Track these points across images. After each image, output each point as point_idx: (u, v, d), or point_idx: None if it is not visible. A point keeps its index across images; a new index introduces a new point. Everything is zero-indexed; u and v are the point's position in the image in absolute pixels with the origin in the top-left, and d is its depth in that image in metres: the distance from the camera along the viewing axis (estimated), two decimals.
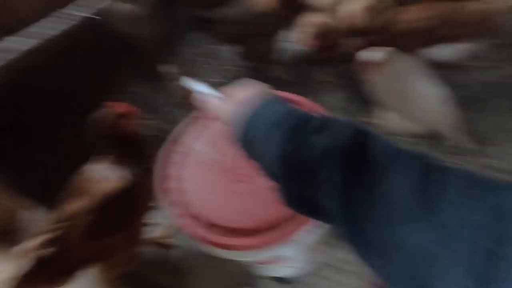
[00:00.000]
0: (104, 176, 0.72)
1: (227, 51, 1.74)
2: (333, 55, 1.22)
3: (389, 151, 0.30)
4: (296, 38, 1.29)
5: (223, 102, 0.44)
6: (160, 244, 0.95)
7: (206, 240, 0.61)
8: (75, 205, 0.69)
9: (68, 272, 0.63)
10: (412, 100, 1.00)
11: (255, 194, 0.65)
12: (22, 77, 1.22)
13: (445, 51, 1.07)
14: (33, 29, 1.32)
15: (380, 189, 0.27)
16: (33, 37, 1.28)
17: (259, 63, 1.48)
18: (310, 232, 0.64)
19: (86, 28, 1.42)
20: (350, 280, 1.01)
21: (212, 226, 0.62)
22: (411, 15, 1.02)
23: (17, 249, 0.60)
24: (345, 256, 1.06)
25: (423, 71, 1.01)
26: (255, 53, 1.44)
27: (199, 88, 0.49)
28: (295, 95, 0.78)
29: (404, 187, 0.26)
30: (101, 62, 1.66)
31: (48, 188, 1.20)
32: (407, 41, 1.03)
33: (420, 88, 0.98)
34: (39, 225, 0.85)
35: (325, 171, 0.31)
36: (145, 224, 0.78)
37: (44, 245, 0.61)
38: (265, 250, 0.61)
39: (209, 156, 0.72)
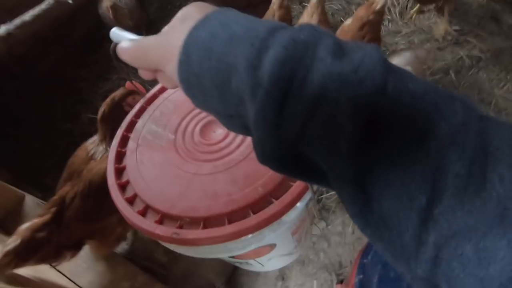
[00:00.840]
0: (96, 156, 0.75)
1: None
2: None
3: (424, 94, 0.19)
4: None
5: (148, 38, 0.28)
6: None
7: (166, 238, 0.48)
8: (66, 189, 0.72)
9: (59, 252, 0.67)
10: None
11: (223, 172, 0.53)
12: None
13: None
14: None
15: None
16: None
17: None
18: (298, 208, 0.51)
19: (60, 11, 1.42)
20: (347, 251, 1.04)
21: (174, 219, 0.50)
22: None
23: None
24: (339, 227, 1.09)
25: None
26: None
27: (124, 36, 0.32)
28: None
29: (453, 152, 0.17)
30: (78, 44, 1.67)
31: (43, 173, 1.26)
32: None
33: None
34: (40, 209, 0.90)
35: (344, 117, 0.19)
36: None
37: (38, 227, 0.65)
38: (243, 240, 0.48)
39: (163, 137, 0.60)
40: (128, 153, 0.60)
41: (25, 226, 0.63)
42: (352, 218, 0.21)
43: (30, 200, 1.03)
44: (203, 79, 0.23)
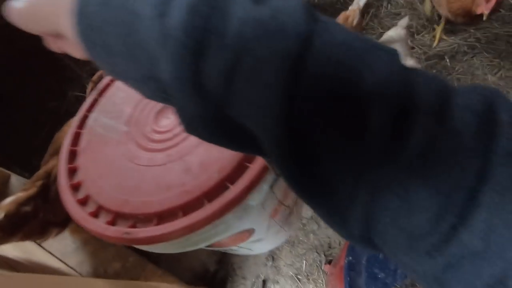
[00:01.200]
0: None
1: None
2: None
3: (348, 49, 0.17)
4: None
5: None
6: None
7: (118, 238, 0.44)
8: (53, 163, 0.70)
9: (45, 228, 0.65)
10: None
11: (176, 161, 0.49)
12: None
13: None
14: None
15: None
16: None
17: None
18: (261, 190, 0.47)
19: None
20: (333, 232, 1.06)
21: (127, 217, 0.46)
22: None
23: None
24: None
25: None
26: None
27: None
28: None
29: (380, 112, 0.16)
30: None
31: (29, 152, 1.22)
32: None
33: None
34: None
35: (267, 72, 0.16)
36: None
37: (23, 201, 0.63)
38: (204, 232, 0.45)
39: (116, 130, 0.56)
40: (80, 151, 0.57)
41: (9, 200, 0.61)
42: (290, 186, 0.19)
43: (15, 180, 1.00)
44: (106, 35, 0.19)
